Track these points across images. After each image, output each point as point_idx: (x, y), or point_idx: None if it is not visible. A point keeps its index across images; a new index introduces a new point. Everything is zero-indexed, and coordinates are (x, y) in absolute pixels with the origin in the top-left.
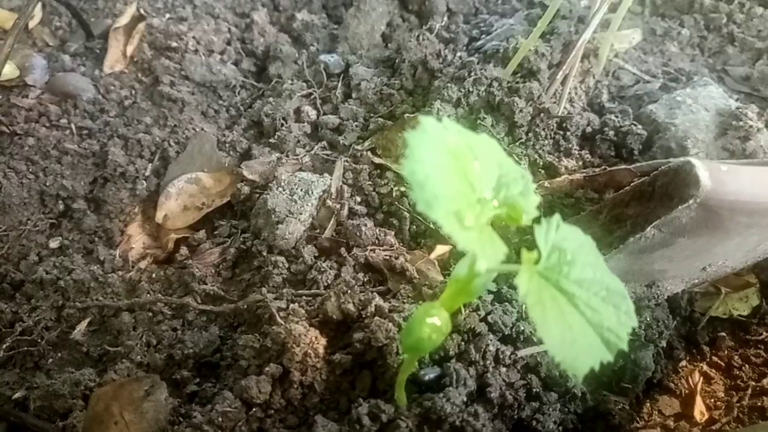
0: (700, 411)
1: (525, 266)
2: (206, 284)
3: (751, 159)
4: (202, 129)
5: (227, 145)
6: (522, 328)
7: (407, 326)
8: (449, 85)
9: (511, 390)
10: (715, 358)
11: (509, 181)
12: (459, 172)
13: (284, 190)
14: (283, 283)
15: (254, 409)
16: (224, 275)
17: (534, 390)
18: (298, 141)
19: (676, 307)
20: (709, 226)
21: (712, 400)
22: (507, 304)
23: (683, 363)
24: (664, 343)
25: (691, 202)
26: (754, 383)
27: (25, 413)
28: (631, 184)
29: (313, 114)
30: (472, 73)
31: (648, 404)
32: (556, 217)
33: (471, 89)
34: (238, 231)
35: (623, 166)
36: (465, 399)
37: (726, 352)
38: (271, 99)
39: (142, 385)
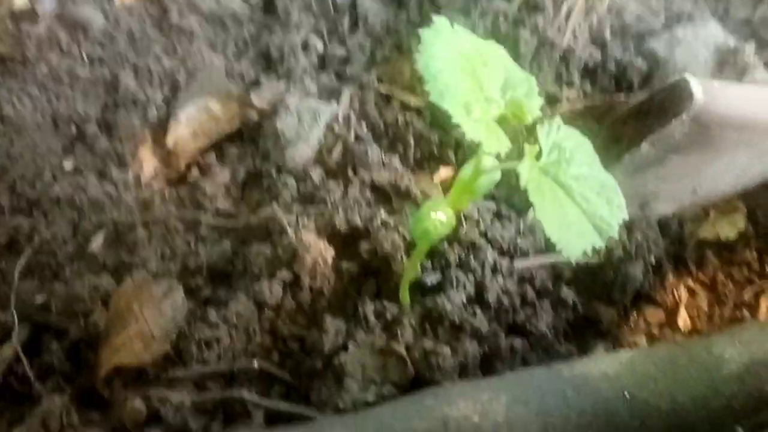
0: (683, 320)
1: (527, 157)
2: (217, 202)
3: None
4: (211, 59)
5: (235, 75)
6: (519, 242)
7: (416, 217)
8: (455, 17)
9: (507, 296)
10: (700, 275)
11: (515, 83)
12: (468, 72)
13: (292, 116)
14: (292, 201)
15: (266, 310)
16: (234, 194)
17: (528, 298)
18: (306, 71)
19: (666, 229)
20: (700, 142)
21: (695, 312)
22: (506, 221)
23: (670, 278)
24: (652, 259)
25: (684, 115)
26: (735, 297)
27: (47, 313)
28: (631, 102)
29: (320, 46)
30: (478, 5)
31: (635, 314)
32: (558, 118)
33: (477, 21)
34: (248, 154)
35: (623, 98)
36: (464, 300)
37: (711, 270)
38: (278, 32)
39: (161, 287)
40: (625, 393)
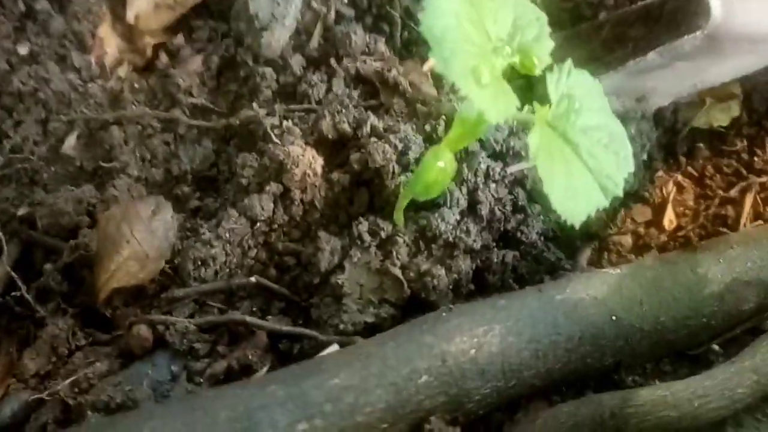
0: (669, 219)
1: (537, 125)
2: (192, 95)
3: None
4: None
5: None
6: (512, 144)
7: (416, 173)
8: None
9: (499, 204)
10: (689, 169)
11: (524, 24)
12: (475, 21)
13: None
14: (273, 96)
15: (258, 225)
16: (210, 85)
17: (519, 203)
18: None
19: (660, 118)
20: (710, 52)
21: (682, 209)
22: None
23: (660, 173)
24: (645, 156)
25: (698, 33)
26: (722, 193)
27: (34, 231)
28: (639, 3)
29: None
30: None
31: (623, 212)
32: (568, 63)
33: None
34: (218, 35)
35: None
36: (458, 218)
37: (701, 162)
38: None
39: (149, 205)
40: (612, 317)
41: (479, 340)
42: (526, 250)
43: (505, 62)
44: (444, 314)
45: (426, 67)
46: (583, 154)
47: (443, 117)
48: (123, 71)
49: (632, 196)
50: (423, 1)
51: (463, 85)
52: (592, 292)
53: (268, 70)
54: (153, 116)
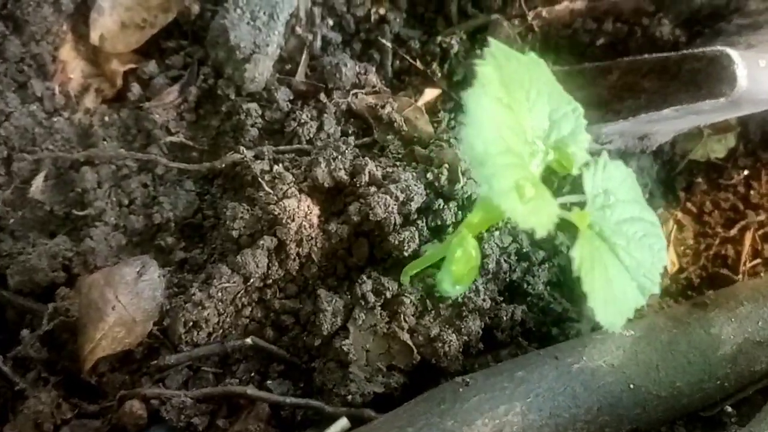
0: (671, 261)
1: (582, 233)
2: (170, 132)
3: None
4: None
5: None
6: None
7: (443, 270)
8: None
9: (504, 255)
10: (688, 204)
11: (559, 117)
12: (514, 127)
13: (243, 13)
14: (259, 135)
15: (252, 281)
16: (188, 119)
17: (524, 249)
18: None
19: (658, 151)
20: (726, 111)
21: (682, 248)
22: None
23: (660, 210)
24: (646, 195)
25: (723, 99)
26: (721, 232)
27: (6, 291)
28: (653, 55)
29: None
30: None
31: None
32: (604, 157)
33: None
34: (194, 61)
35: None
36: None
37: (699, 197)
38: None
39: (133, 267)
40: (630, 385)
41: (501, 421)
42: (532, 302)
43: (543, 164)
44: (461, 389)
45: (421, 101)
46: (620, 253)
47: (446, 165)
48: (91, 101)
49: None
50: (464, 117)
51: (506, 204)
52: (608, 359)
53: (253, 106)
54: (128, 156)
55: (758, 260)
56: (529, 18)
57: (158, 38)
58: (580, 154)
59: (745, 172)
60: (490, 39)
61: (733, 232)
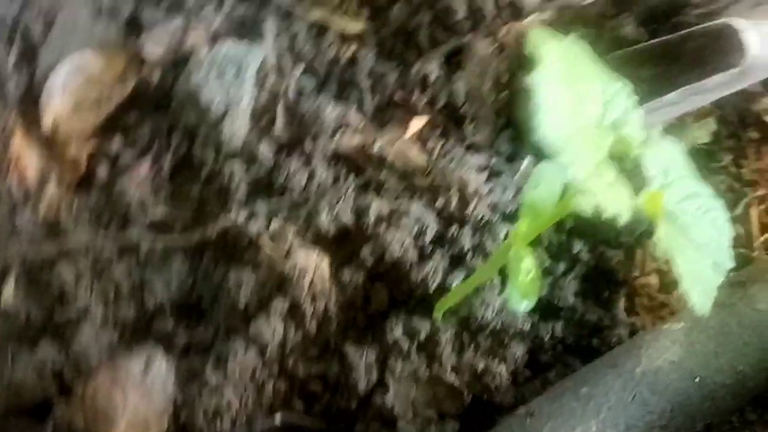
0: None
1: (661, 219)
2: (148, 209)
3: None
4: None
5: (105, 10)
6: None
7: (510, 287)
8: None
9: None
10: None
11: (611, 98)
12: (579, 107)
13: (209, 71)
14: (248, 194)
15: (270, 352)
16: (166, 191)
17: (545, 264)
18: None
19: None
20: (734, 84)
21: None
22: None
23: None
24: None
25: (734, 70)
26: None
27: None
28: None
29: None
30: None
31: (640, 252)
32: (658, 133)
33: None
34: (163, 130)
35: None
36: (500, 299)
37: None
38: None
39: (137, 361)
40: (696, 378)
41: None
42: (566, 316)
43: (607, 149)
44: (528, 420)
45: (409, 133)
46: (691, 232)
47: (454, 189)
48: (54, 191)
49: (644, 233)
50: (533, 103)
51: (594, 189)
52: (667, 356)
53: (236, 165)
54: (106, 242)
55: None
56: (501, 35)
57: (119, 112)
58: (636, 134)
59: (730, 155)
60: (529, 30)
61: (738, 211)
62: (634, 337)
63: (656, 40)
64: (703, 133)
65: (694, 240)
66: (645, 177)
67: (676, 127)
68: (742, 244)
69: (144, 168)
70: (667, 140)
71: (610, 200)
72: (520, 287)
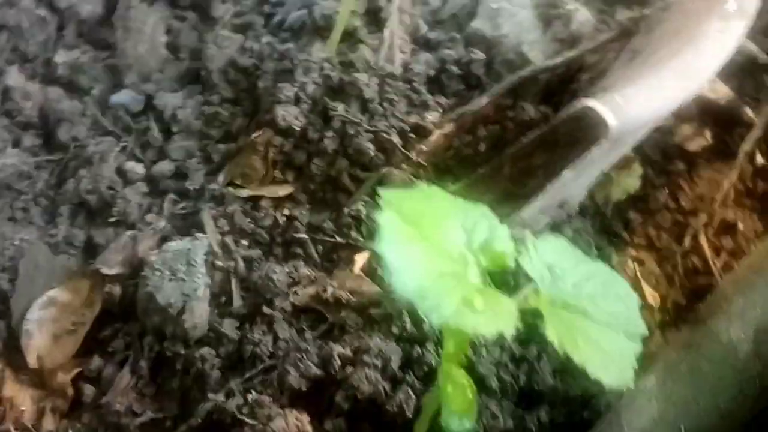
0: (651, 296)
1: (546, 313)
2: (137, 414)
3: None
4: (22, 239)
5: (61, 244)
6: None
7: (444, 413)
8: (279, 85)
9: (501, 368)
10: (635, 239)
11: (473, 226)
12: (436, 251)
13: (162, 273)
14: (222, 375)
15: None
16: (149, 393)
17: (516, 354)
18: (141, 206)
19: (583, 209)
20: (614, 148)
21: (654, 280)
22: None
23: (614, 259)
24: (594, 251)
25: (603, 143)
26: (676, 248)
27: None
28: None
29: (139, 169)
30: (296, 61)
31: None
32: (529, 237)
33: (305, 80)
34: (135, 337)
35: (484, 98)
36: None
37: (641, 229)
38: (81, 170)
39: None
40: (681, 428)
41: None
42: (550, 398)
43: (480, 274)
44: None
45: (357, 268)
46: (592, 313)
47: (405, 312)
48: (50, 423)
49: None
50: (387, 269)
51: (462, 323)
52: (648, 415)
53: (205, 350)
54: None
55: (724, 255)
56: (414, 157)
57: (92, 332)
58: (507, 247)
59: (666, 190)
60: (380, 189)
61: (688, 242)
62: (612, 406)
63: (533, 133)
64: (633, 180)
65: (599, 319)
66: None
67: (604, 184)
68: (701, 274)
69: (125, 378)
70: (543, 239)
71: (485, 325)
72: (455, 409)
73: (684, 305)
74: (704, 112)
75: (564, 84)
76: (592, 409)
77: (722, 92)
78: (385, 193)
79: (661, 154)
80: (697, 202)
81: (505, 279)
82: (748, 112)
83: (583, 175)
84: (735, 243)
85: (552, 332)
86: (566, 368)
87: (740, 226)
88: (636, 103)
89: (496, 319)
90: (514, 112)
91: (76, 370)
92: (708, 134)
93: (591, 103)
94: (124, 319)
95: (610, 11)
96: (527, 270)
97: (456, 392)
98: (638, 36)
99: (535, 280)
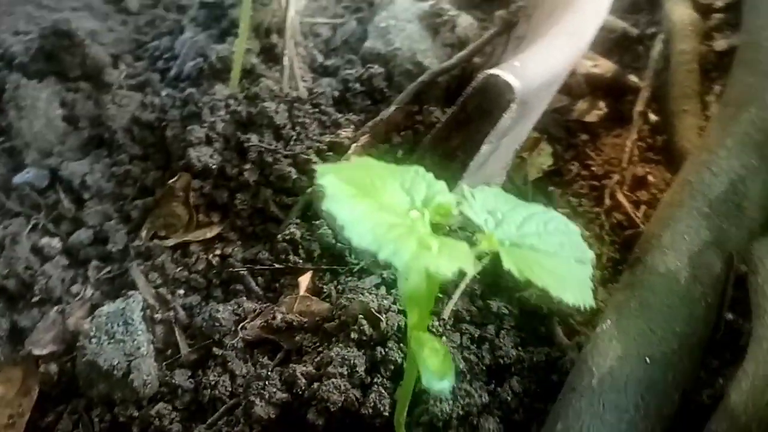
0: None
1: (501, 249)
2: None
3: (518, 38)
4: None
5: None
6: None
7: (424, 374)
8: (188, 128)
9: (464, 350)
10: (559, 210)
11: (411, 185)
12: (382, 206)
13: (100, 338)
14: (184, 428)
15: None
16: None
17: (476, 335)
18: (64, 280)
19: (504, 190)
20: (523, 116)
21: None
22: None
23: None
24: None
25: (513, 106)
26: (599, 208)
27: None
28: (441, 122)
29: (55, 243)
30: (200, 104)
31: None
32: (464, 189)
33: (213, 119)
34: (82, 413)
35: (392, 108)
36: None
37: (563, 198)
38: None
39: None
40: (646, 360)
41: None
42: (517, 369)
43: (428, 226)
44: None
45: (302, 290)
46: (541, 246)
47: (360, 316)
48: None
49: None
50: (337, 224)
51: (423, 262)
52: (612, 354)
53: (160, 406)
54: None
55: (643, 207)
56: None
57: (34, 420)
58: (448, 199)
59: (576, 163)
60: (316, 168)
61: (607, 201)
62: (576, 360)
63: (446, 116)
64: (545, 158)
65: (549, 250)
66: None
67: (519, 166)
68: (627, 228)
69: None
70: (479, 189)
71: (446, 263)
72: (434, 371)
73: (618, 258)
74: (594, 87)
75: (463, 83)
76: (560, 371)
77: (606, 66)
78: (321, 167)
79: (564, 131)
80: (607, 166)
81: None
82: (633, 79)
83: (500, 150)
84: (649, 193)
85: (510, 263)
86: (526, 339)
87: (650, 178)
88: (533, 63)
89: (454, 258)
90: (422, 116)
91: None
92: (602, 105)
93: (492, 71)
94: (66, 398)
95: (489, 10)
96: (471, 217)
97: (431, 355)
98: (520, 24)
99: (480, 227)
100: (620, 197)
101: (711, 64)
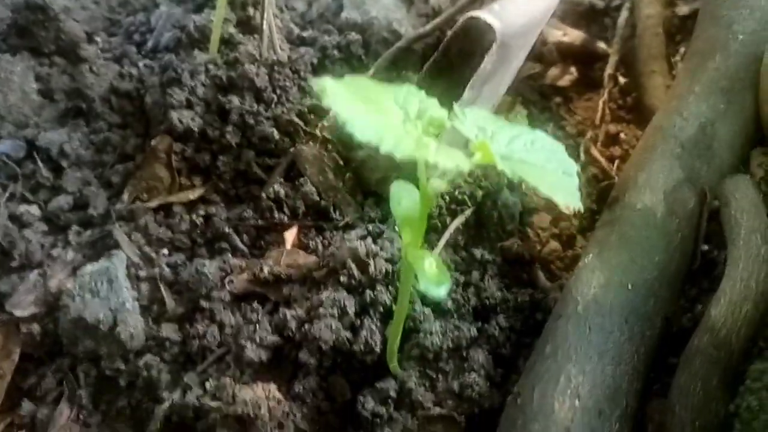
0: (566, 209)
1: (496, 156)
2: None
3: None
4: None
5: None
6: None
7: (422, 281)
8: (168, 91)
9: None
10: None
11: (404, 100)
12: (382, 110)
13: (83, 296)
14: (173, 378)
15: None
16: (94, 421)
17: (461, 280)
18: (44, 245)
19: None
20: (503, 60)
21: None
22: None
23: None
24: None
25: (494, 46)
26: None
27: None
28: (422, 71)
29: (34, 210)
30: (180, 70)
31: (531, 231)
32: (457, 107)
33: (193, 83)
34: (66, 370)
35: (370, 73)
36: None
37: None
38: None
39: None
40: (629, 286)
41: (570, 389)
42: (503, 308)
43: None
44: (518, 401)
45: (289, 244)
46: (529, 159)
47: (348, 260)
48: None
49: (523, 213)
50: (341, 120)
51: (423, 155)
52: (595, 283)
53: (148, 358)
54: None
55: (617, 161)
56: (318, 134)
57: (16, 382)
58: (440, 114)
59: (551, 124)
60: (316, 79)
61: (583, 157)
62: (558, 299)
63: (427, 64)
64: (521, 119)
65: (537, 162)
66: (468, 140)
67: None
68: (602, 180)
69: (64, 414)
70: (470, 108)
71: (448, 160)
72: (432, 278)
73: (595, 209)
74: (565, 54)
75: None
76: (544, 310)
77: (575, 35)
78: (319, 80)
79: (538, 94)
80: (581, 126)
81: None
82: (602, 46)
83: (482, 98)
84: (622, 149)
85: (504, 166)
86: (510, 283)
87: (622, 135)
88: (513, 5)
89: (451, 156)
90: (400, 81)
91: (4, 423)
92: (573, 71)
93: (473, 13)
94: (50, 358)
95: None
96: (463, 131)
97: (429, 264)
98: None
99: (471, 140)
100: (595, 153)
101: (675, 27)
